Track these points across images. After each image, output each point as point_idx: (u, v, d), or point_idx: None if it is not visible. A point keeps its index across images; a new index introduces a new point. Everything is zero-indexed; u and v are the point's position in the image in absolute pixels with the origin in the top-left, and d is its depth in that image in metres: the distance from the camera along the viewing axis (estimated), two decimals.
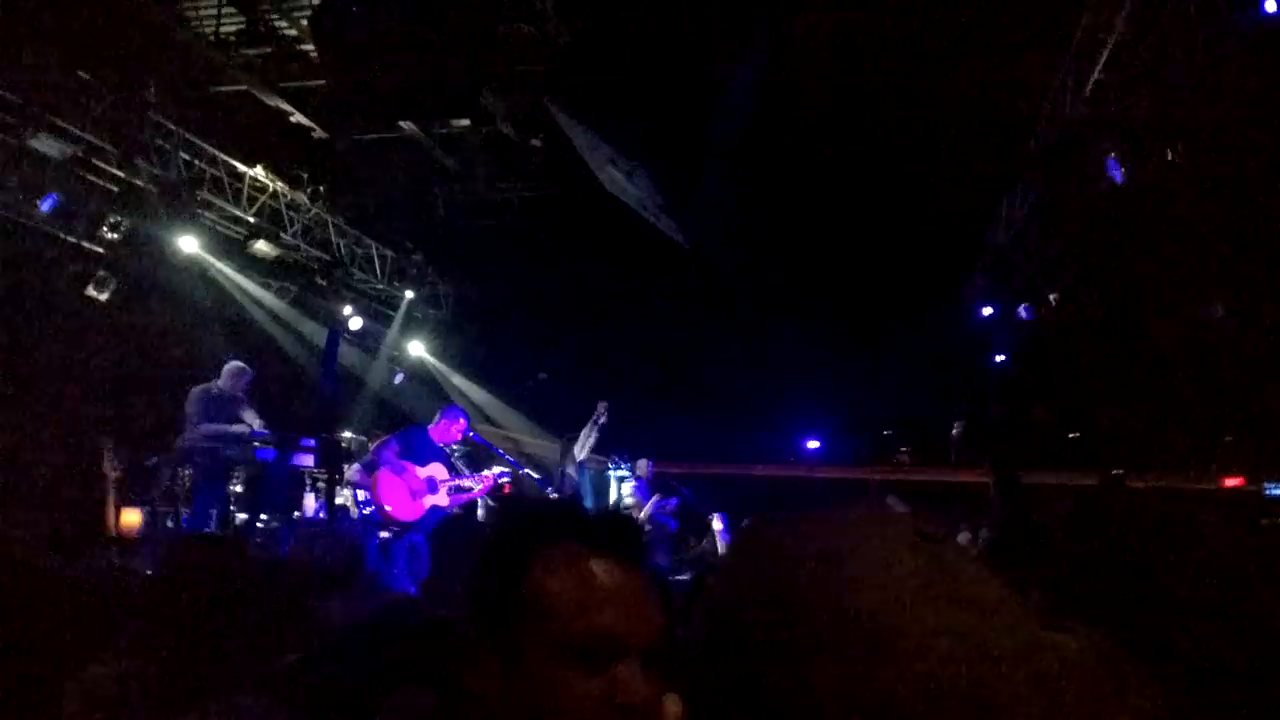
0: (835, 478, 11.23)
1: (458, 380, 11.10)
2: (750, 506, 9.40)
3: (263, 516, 7.93)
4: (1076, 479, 10.04)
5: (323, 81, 7.40)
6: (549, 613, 1.06)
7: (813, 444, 12.05)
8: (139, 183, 7.90)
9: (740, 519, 8.83)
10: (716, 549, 8.38)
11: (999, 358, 10.70)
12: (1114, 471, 8.76)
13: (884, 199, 8.50)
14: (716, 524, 8.53)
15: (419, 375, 10.86)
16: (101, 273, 8.14)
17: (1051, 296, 10.10)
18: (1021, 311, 9.99)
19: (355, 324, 9.73)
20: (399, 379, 10.40)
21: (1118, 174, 8.22)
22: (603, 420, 8.07)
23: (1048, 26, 7.35)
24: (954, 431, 10.30)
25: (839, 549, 0.57)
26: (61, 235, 7.93)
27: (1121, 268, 9.33)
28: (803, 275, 9.50)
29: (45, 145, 7.25)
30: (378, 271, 10.27)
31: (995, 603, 0.55)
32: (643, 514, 9.00)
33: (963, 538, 8.48)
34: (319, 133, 8.12)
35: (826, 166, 7.88)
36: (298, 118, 7.88)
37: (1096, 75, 7.44)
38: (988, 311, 10.19)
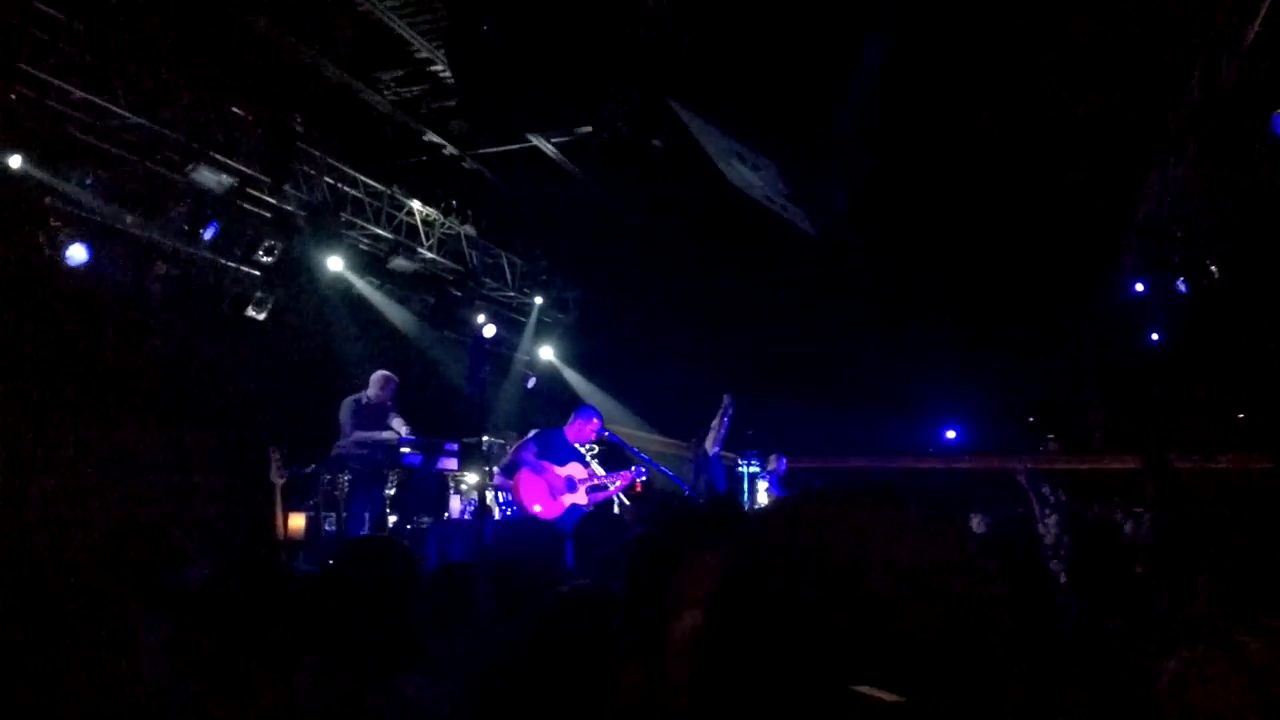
0: (977, 468, 10.81)
1: (587, 383, 11.30)
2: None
3: (417, 518, 8.28)
4: (1246, 463, 9.34)
5: (451, 101, 7.70)
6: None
7: (950, 434, 11.63)
8: (289, 208, 8.42)
9: None
10: None
11: (1154, 337, 10.04)
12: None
13: (1023, 172, 8.09)
14: None
15: (551, 379, 11.12)
16: (259, 294, 8.71)
17: (1212, 268, 9.41)
18: (1179, 286, 9.34)
19: (489, 331, 10.05)
20: (531, 383, 10.68)
21: None
22: (730, 412, 8.03)
23: None
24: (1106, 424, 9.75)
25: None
26: (222, 261, 8.53)
27: None
28: (938, 257, 9.17)
29: (205, 178, 7.82)
30: (508, 279, 10.58)
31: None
32: None
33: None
34: (450, 149, 8.44)
35: (960, 141, 7.58)
36: (430, 136, 8.22)
37: (1256, 28, 6.90)
38: (1140, 288, 9.58)
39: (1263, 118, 7.68)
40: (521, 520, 7.73)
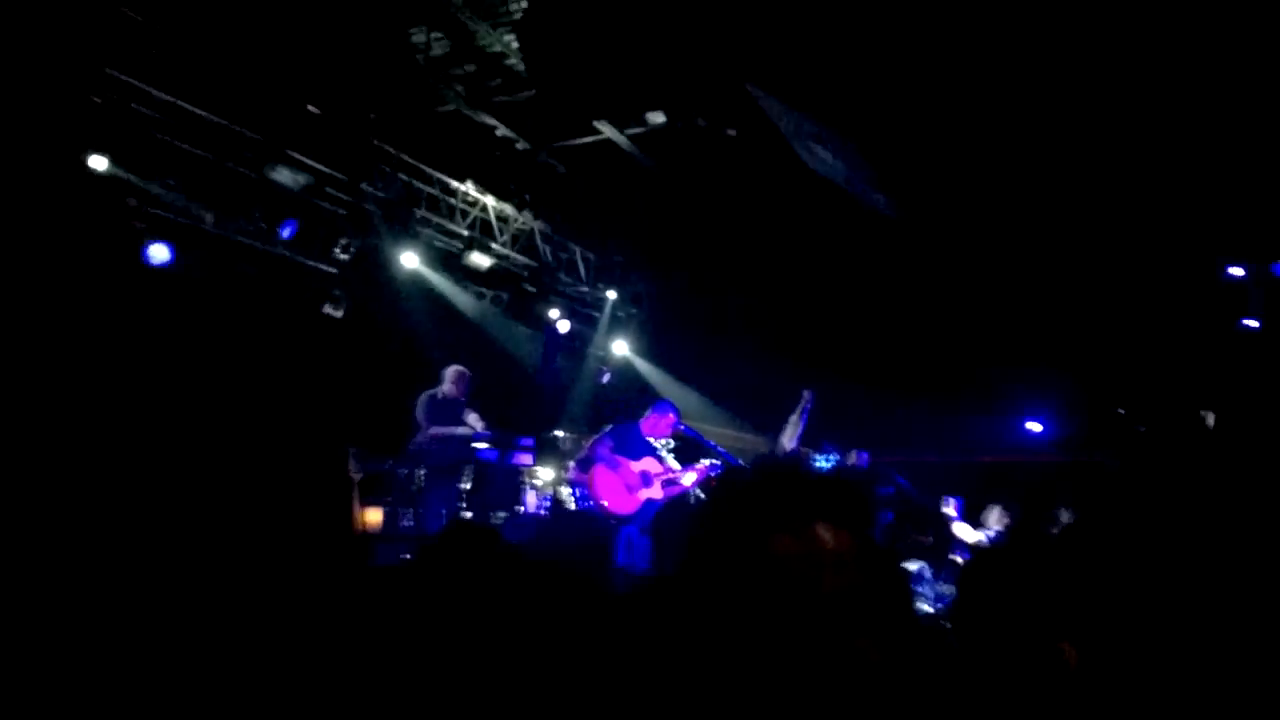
0: (1063, 461, 10.43)
1: (662, 378, 11.20)
2: (970, 494, 8.91)
3: (493, 513, 8.28)
4: None
5: (524, 94, 7.66)
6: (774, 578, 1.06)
7: (1034, 426, 11.23)
8: (365, 206, 8.48)
9: (973, 505, 8.39)
10: (953, 534, 8.01)
11: (1251, 323, 9.54)
12: None
13: (1113, 144, 7.74)
14: (950, 509, 8.14)
15: (625, 374, 11.05)
16: (336, 292, 8.78)
17: None
18: (1275, 269, 8.88)
19: (563, 327, 10.02)
20: (606, 378, 10.63)
21: None
22: (809, 408, 7.86)
23: None
24: (1207, 421, 9.29)
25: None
26: (300, 259, 8.62)
27: None
28: (1020, 238, 8.84)
29: (282, 176, 7.90)
30: (581, 274, 10.53)
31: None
32: None
33: (1065, 517, 7.72)
34: (523, 144, 8.41)
35: (1047, 118, 7.29)
36: (503, 131, 8.19)
37: None
38: (1238, 271, 9.12)
39: None
40: (570, 516, 7.71)
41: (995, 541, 8.06)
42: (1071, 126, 7.70)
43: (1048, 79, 6.95)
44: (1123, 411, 9.94)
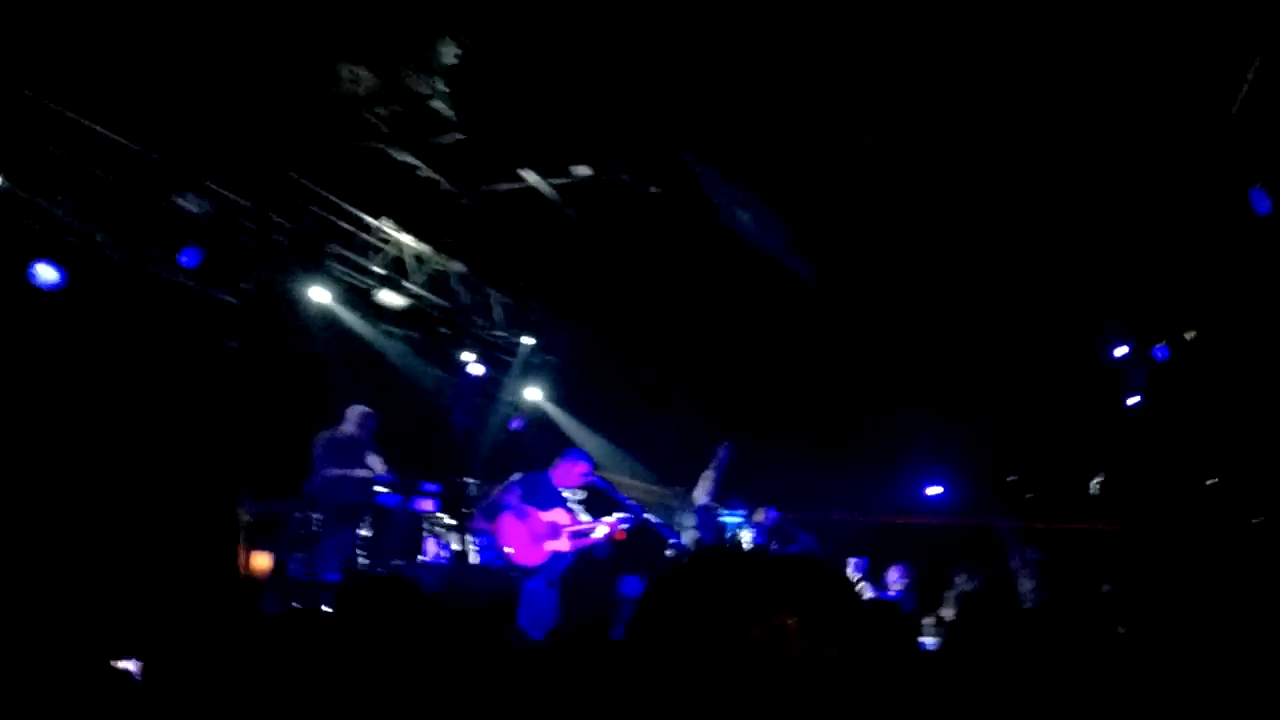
0: (960, 524, 10.78)
1: (574, 427, 11.12)
2: (874, 553, 9.10)
3: (389, 562, 7.98)
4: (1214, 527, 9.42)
5: (451, 137, 7.60)
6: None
7: (934, 490, 11.61)
8: (274, 237, 8.22)
9: (875, 565, 8.55)
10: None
11: (1132, 400, 10.16)
12: None
13: (1017, 234, 8.21)
14: (851, 571, 8.27)
15: (538, 421, 10.92)
16: (237, 323, 8.45)
17: (1187, 335, 9.59)
18: (1157, 352, 9.50)
19: (476, 370, 9.85)
20: (517, 424, 10.48)
21: (1263, 205, 7.80)
22: (725, 463, 7.93)
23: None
24: (1092, 487, 9.81)
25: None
26: (201, 289, 8.26)
27: (1269, 303, 8.80)
28: (929, 313, 9.23)
29: (188, 202, 7.60)
30: (496, 318, 10.41)
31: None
32: None
33: (961, 580, 8.08)
34: (445, 186, 8.33)
35: (958, 201, 7.67)
36: (426, 172, 8.11)
37: (1240, 98, 7.09)
38: (1121, 351, 9.72)
39: (1240, 192, 7.90)
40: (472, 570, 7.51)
41: (895, 600, 8.24)
42: (971, 204, 8.13)
43: (947, 154, 7.33)
44: (1014, 479, 10.39)
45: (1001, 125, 7.17)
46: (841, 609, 0.91)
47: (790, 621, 0.89)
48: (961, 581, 8.13)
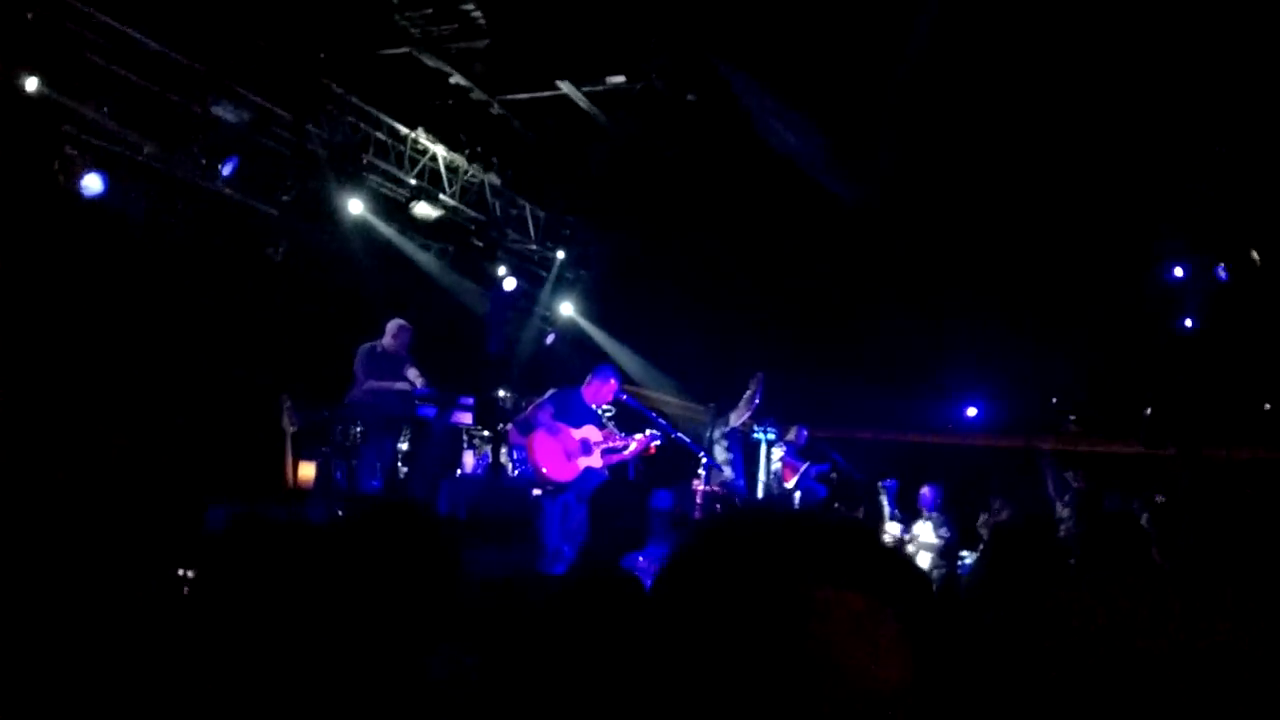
0: (998, 446, 10.66)
1: (608, 341, 11.13)
2: (905, 473, 9.07)
3: (428, 473, 8.18)
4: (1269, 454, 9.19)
5: (482, 43, 7.42)
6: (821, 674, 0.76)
7: (971, 411, 11.46)
8: (310, 147, 8.19)
9: (906, 485, 8.53)
10: (883, 515, 8.15)
11: (1187, 323, 9.80)
12: None
13: (1067, 144, 7.80)
14: (883, 494, 8.29)
15: (571, 336, 10.96)
16: (276, 234, 8.53)
17: (1254, 255, 9.14)
18: (1219, 272, 9.09)
19: (509, 284, 9.86)
20: (550, 339, 10.52)
21: None
22: (760, 390, 7.89)
23: None
24: (1146, 413, 9.53)
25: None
26: (240, 198, 8.32)
27: None
28: (973, 232, 8.92)
29: (225, 111, 7.58)
30: (530, 232, 10.36)
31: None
32: (792, 481, 8.82)
33: (996, 506, 7.96)
34: (478, 94, 8.18)
35: (1003, 113, 7.30)
36: (457, 79, 7.95)
37: None
38: (1179, 272, 9.33)
39: None
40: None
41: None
42: (1028, 121, 7.75)
43: (1004, 72, 6.95)
44: (1055, 401, 10.19)
45: (1059, 32, 6.76)
46: (909, 587, 0.76)
47: (859, 601, 0.73)
48: (998, 507, 8.07)
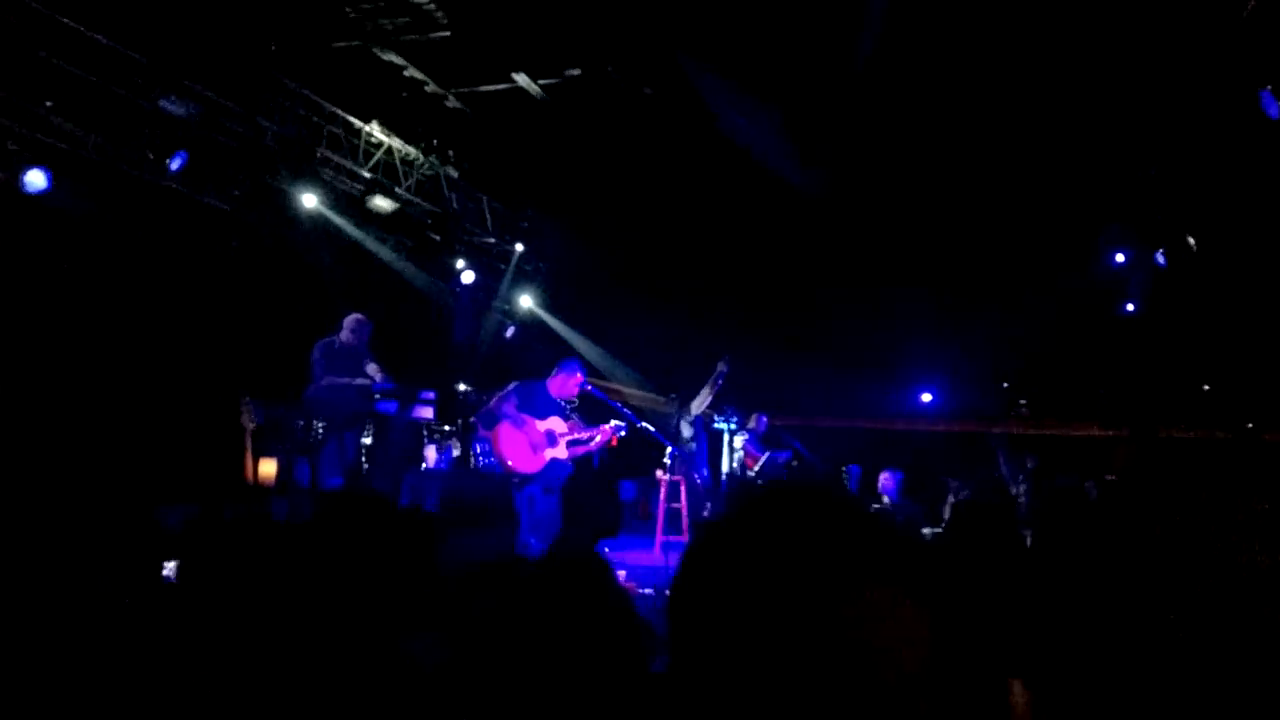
0: (953, 431, 10.91)
1: (568, 334, 11.14)
2: (864, 460, 9.25)
3: (391, 469, 8.12)
4: (1208, 434, 9.55)
5: (436, 35, 7.37)
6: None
7: (925, 397, 11.71)
8: (262, 141, 8.06)
9: (867, 471, 8.68)
10: None
11: (1129, 307, 10.14)
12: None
13: (1015, 135, 8.01)
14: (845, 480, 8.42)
15: (533, 328, 10.94)
16: (229, 229, 8.38)
17: (1190, 241, 9.49)
18: (1158, 257, 9.42)
19: (467, 278, 9.81)
20: (510, 332, 10.50)
21: (1273, 108, 7.62)
22: (723, 376, 7.96)
23: None
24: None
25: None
26: (190, 194, 8.16)
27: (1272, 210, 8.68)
28: (923, 221, 9.11)
29: (172, 105, 7.42)
30: (488, 224, 10.31)
31: None
32: (755, 469, 8.93)
33: (954, 488, 8.18)
34: (432, 87, 8.12)
35: (952, 102, 7.47)
36: (411, 72, 7.89)
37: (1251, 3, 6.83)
38: (1120, 258, 9.64)
39: (1251, 94, 7.69)
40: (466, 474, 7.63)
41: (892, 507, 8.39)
42: (975, 112, 7.94)
43: (954, 68, 7.11)
44: (1006, 385, 10.46)
45: (1004, 22, 6.93)
46: (930, 576, 0.75)
47: (881, 594, 0.71)
48: (956, 487, 8.26)
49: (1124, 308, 10.31)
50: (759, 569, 0.73)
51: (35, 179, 7.02)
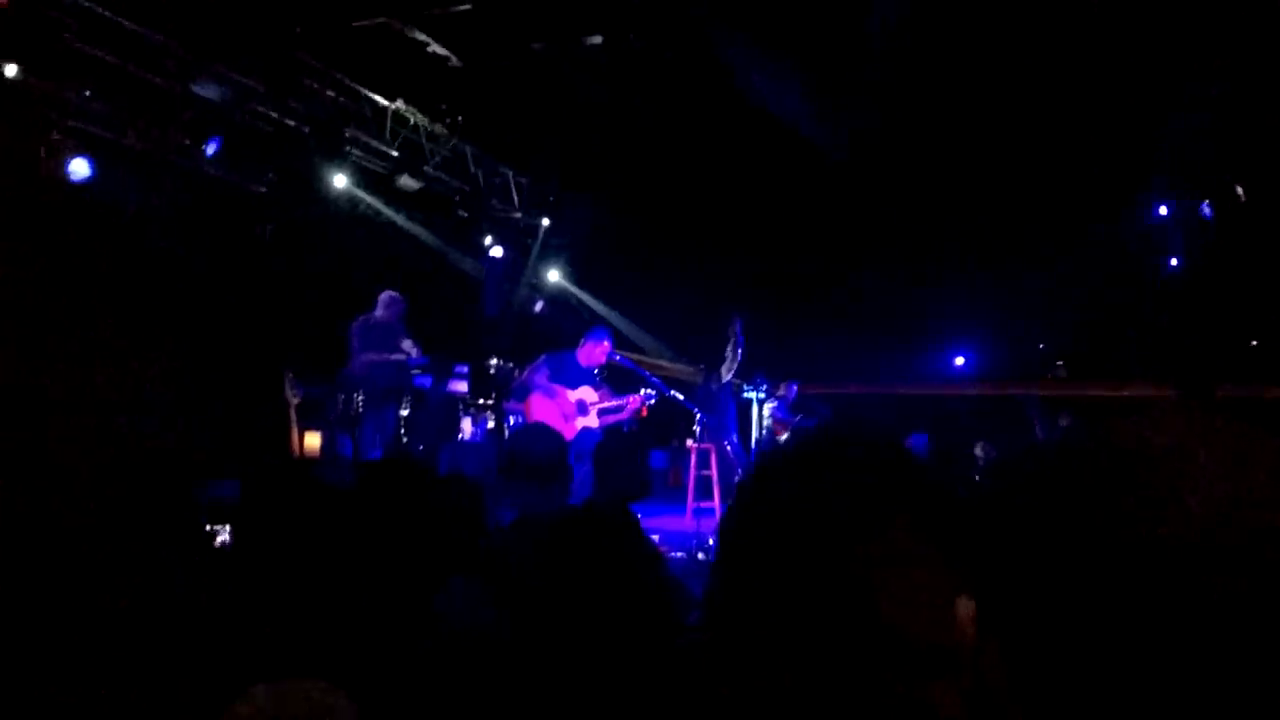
0: (988, 394, 10.76)
1: (596, 305, 11.20)
2: (896, 426, 9.17)
3: (428, 441, 8.30)
4: (1261, 391, 9.31)
5: (459, 9, 7.40)
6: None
7: (959, 360, 11.55)
8: (291, 123, 8.20)
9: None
10: None
11: (1173, 262, 9.86)
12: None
13: (1049, 83, 7.79)
14: None
15: (559, 301, 11.02)
16: (264, 211, 8.56)
17: (1239, 190, 9.17)
18: (1204, 209, 9.12)
19: (496, 253, 9.91)
20: (539, 306, 10.59)
21: None
22: (741, 336, 7.87)
23: None
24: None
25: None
26: (226, 177, 8.35)
27: None
28: (955, 180, 8.94)
29: (206, 89, 7.59)
30: (515, 199, 10.38)
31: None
32: (784, 436, 8.93)
33: (978, 449, 8.02)
34: (455, 61, 8.17)
35: (985, 58, 7.31)
36: (435, 48, 7.95)
37: None
38: (1164, 211, 9.36)
39: None
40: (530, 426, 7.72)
41: None
42: (1010, 66, 7.76)
43: (988, 22, 6.95)
44: (1042, 346, 10.28)
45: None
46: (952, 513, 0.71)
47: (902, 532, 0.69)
48: (980, 453, 8.19)
49: (1167, 264, 10.04)
50: (796, 506, 0.71)
51: (79, 167, 7.25)
